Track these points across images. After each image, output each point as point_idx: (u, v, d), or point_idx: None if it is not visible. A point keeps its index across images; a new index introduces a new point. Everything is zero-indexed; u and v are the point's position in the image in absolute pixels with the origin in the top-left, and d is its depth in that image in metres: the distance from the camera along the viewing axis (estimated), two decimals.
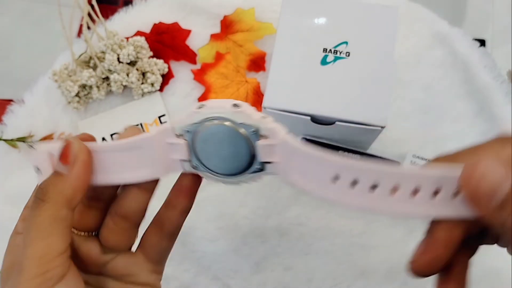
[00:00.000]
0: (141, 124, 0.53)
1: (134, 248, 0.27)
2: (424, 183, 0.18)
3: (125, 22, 0.55)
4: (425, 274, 0.19)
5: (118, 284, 0.25)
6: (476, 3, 1.14)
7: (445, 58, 0.52)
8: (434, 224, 0.19)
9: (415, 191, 0.18)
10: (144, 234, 0.26)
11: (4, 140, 0.51)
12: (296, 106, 0.39)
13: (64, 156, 0.21)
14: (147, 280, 0.26)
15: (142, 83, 0.52)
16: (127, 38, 0.52)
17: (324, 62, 0.40)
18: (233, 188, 0.48)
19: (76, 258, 0.24)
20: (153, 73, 0.52)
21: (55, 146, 0.21)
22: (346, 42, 0.41)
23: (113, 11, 0.56)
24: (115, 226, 0.24)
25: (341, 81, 0.40)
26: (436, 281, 0.20)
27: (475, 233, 0.19)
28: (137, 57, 0.52)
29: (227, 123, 0.21)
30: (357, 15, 0.42)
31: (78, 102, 0.52)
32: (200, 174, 0.23)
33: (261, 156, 0.22)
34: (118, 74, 0.51)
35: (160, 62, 0.52)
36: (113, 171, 0.22)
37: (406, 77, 0.52)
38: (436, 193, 0.18)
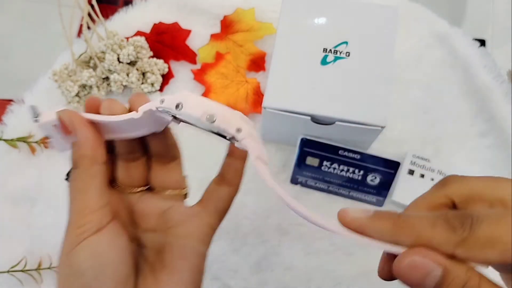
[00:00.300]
0: None
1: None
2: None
3: (125, 22, 0.55)
4: (392, 279, 0.20)
5: (174, 238, 0.25)
6: (476, 3, 1.15)
7: (445, 58, 0.52)
8: None
9: None
10: (206, 189, 0.27)
11: (4, 140, 0.51)
12: (296, 106, 0.39)
13: (63, 129, 0.23)
14: (202, 232, 0.25)
15: (142, 83, 0.52)
16: (127, 38, 0.52)
17: (324, 62, 0.40)
18: None
19: (134, 215, 0.26)
20: (153, 73, 0.52)
21: (54, 119, 0.25)
22: (346, 42, 0.41)
23: (113, 11, 0.56)
24: (160, 171, 0.27)
25: (341, 81, 0.40)
26: None
27: None
28: (137, 57, 0.52)
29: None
30: (357, 15, 0.42)
31: (78, 102, 0.52)
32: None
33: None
34: (118, 74, 0.51)
35: (160, 62, 0.52)
36: (118, 132, 0.25)
37: (406, 77, 0.52)
38: None
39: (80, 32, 0.54)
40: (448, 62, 0.52)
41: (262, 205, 0.48)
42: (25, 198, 0.51)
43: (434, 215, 0.18)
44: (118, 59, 0.51)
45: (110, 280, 0.22)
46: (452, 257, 0.17)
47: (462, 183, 0.21)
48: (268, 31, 0.53)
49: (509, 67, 0.95)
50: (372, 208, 0.19)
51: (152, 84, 0.52)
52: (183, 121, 0.23)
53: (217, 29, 0.55)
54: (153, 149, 0.27)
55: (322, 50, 0.41)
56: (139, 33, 0.54)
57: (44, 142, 0.51)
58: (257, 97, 0.51)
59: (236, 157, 0.26)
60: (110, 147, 0.26)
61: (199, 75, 0.53)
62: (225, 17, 0.54)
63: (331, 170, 0.48)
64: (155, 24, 0.54)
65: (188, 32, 0.54)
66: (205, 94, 0.52)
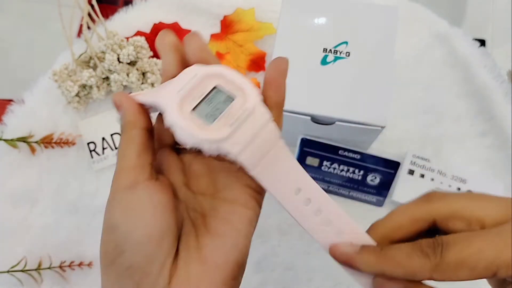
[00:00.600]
0: None
1: None
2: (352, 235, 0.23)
3: (125, 22, 0.55)
4: None
5: (220, 202, 0.25)
6: (476, 3, 1.15)
7: (445, 58, 0.52)
8: None
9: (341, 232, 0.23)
10: None
11: (4, 140, 0.51)
12: (296, 106, 0.39)
13: (117, 106, 0.25)
14: (247, 196, 0.25)
15: (142, 83, 0.52)
16: (127, 38, 0.52)
17: (324, 62, 0.40)
18: None
19: (188, 176, 0.26)
20: (153, 73, 0.52)
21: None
22: (346, 42, 0.41)
23: (113, 11, 0.56)
24: None
25: (341, 81, 0.40)
26: None
27: None
28: (137, 57, 0.52)
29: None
30: (357, 15, 0.42)
31: (78, 102, 0.52)
32: None
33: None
34: (118, 74, 0.51)
35: (160, 62, 0.52)
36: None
37: (406, 77, 0.52)
38: None
39: (80, 32, 0.54)
40: (448, 62, 0.52)
41: (262, 204, 0.48)
42: (25, 198, 0.51)
43: (410, 246, 0.21)
44: (118, 59, 0.51)
45: (142, 236, 0.22)
46: (431, 278, 0.20)
47: (444, 201, 0.22)
48: (268, 31, 0.53)
49: (509, 67, 0.95)
50: (360, 243, 0.23)
51: (152, 84, 0.52)
52: None
53: (217, 29, 0.55)
54: None
55: (322, 50, 0.41)
56: (139, 33, 0.54)
57: (44, 142, 0.51)
58: None
59: None
60: None
61: None
62: (225, 17, 0.54)
63: (331, 170, 0.48)
64: (155, 24, 0.54)
65: (188, 32, 0.54)
66: None
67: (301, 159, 0.48)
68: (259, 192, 0.25)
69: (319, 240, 0.23)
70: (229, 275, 0.23)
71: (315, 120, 0.40)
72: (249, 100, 0.22)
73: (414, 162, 0.48)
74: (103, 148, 0.52)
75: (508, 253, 0.19)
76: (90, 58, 0.52)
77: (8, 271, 0.48)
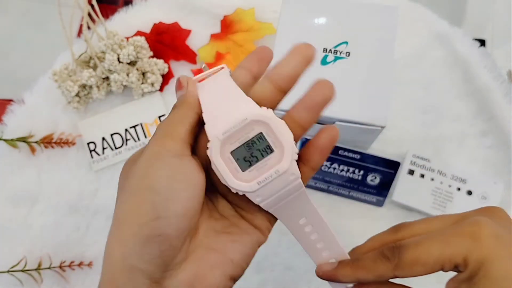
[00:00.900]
0: (141, 124, 0.53)
1: None
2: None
3: (125, 22, 0.55)
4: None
5: (232, 212, 0.26)
6: (476, 3, 1.15)
7: (445, 58, 0.52)
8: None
9: None
10: None
11: (4, 140, 0.51)
12: None
13: (179, 86, 0.25)
14: (259, 223, 0.26)
15: (142, 83, 0.52)
16: (127, 38, 0.52)
17: (324, 62, 0.40)
18: None
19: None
20: (153, 73, 0.52)
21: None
22: (346, 42, 0.41)
23: (113, 11, 0.56)
24: None
25: (341, 81, 0.40)
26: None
27: None
28: (137, 57, 0.52)
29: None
30: (357, 15, 0.42)
31: (78, 102, 0.52)
32: None
33: None
34: (118, 74, 0.51)
35: (160, 62, 0.52)
36: None
37: (406, 77, 0.52)
38: None
39: (80, 32, 0.54)
40: (448, 62, 0.52)
41: None
42: (25, 198, 0.51)
43: (375, 253, 0.25)
44: (118, 59, 0.51)
45: (182, 208, 0.22)
46: (395, 277, 0.24)
47: (408, 230, 0.26)
48: (268, 31, 0.53)
49: (509, 67, 0.95)
50: (335, 259, 0.27)
51: (152, 84, 0.52)
52: None
53: (217, 29, 0.55)
54: None
55: (322, 50, 0.41)
56: (139, 33, 0.54)
57: (44, 142, 0.51)
58: None
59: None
60: None
61: None
62: (225, 17, 0.54)
63: (331, 170, 0.48)
64: (155, 24, 0.54)
65: (188, 32, 0.54)
66: None
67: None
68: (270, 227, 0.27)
69: (312, 258, 0.27)
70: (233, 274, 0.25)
71: None
72: (284, 160, 0.23)
73: (414, 162, 0.48)
74: (103, 148, 0.52)
75: (448, 250, 0.22)
76: (90, 58, 0.52)
77: (8, 271, 0.48)
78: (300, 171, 0.24)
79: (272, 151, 0.23)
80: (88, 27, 0.51)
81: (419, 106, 0.51)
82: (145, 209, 0.22)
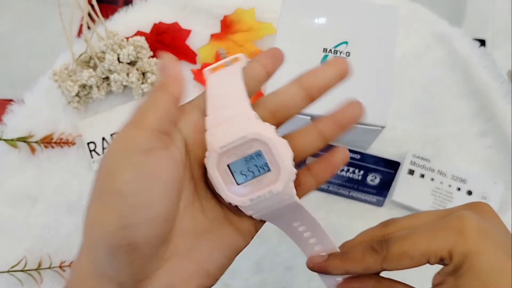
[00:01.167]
0: None
1: None
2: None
3: (125, 22, 0.55)
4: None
5: (218, 213, 0.25)
6: (476, 3, 1.15)
7: (445, 58, 0.52)
8: None
9: None
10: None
11: (4, 140, 0.51)
12: None
13: (161, 68, 0.24)
14: (245, 227, 0.25)
15: (142, 83, 0.52)
16: (127, 38, 0.52)
17: (324, 62, 0.40)
18: None
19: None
20: (153, 73, 0.52)
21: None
22: (346, 42, 0.41)
23: (113, 11, 0.56)
24: None
25: None
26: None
27: None
28: (137, 57, 0.52)
29: None
30: (357, 15, 0.42)
31: (78, 102, 0.52)
32: None
33: None
34: (118, 74, 0.51)
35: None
36: None
37: (406, 77, 0.52)
38: None
39: (80, 32, 0.54)
40: (448, 62, 0.52)
41: None
42: (25, 198, 0.51)
43: (364, 246, 0.25)
44: (118, 59, 0.51)
45: (151, 212, 0.20)
46: (383, 269, 0.24)
47: (396, 225, 0.27)
48: (268, 31, 0.53)
49: (509, 67, 0.95)
50: (327, 251, 0.27)
51: (152, 84, 0.52)
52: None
53: (217, 29, 0.55)
54: None
55: (322, 50, 0.41)
56: (139, 33, 0.54)
57: (44, 142, 0.51)
58: (258, 97, 0.51)
59: None
60: None
61: (199, 75, 0.53)
62: (225, 17, 0.54)
63: None
64: (155, 24, 0.54)
65: (188, 32, 0.54)
66: None
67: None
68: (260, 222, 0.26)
69: (304, 251, 0.27)
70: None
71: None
72: (280, 181, 0.23)
73: (414, 162, 0.48)
74: (103, 148, 0.52)
75: (434, 244, 0.23)
76: (90, 58, 0.52)
77: (8, 271, 0.48)
78: (305, 182, 0.24)
79: (269, 169, 0.23)
80: (88, 27, 0.51)
81: (419, 106, 0.51)
82: (110, 217, 0.20)
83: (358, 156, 0.48)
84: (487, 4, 1.15)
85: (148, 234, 0.20)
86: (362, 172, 0.48)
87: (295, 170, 0.23)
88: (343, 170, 0.48)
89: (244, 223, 0.25)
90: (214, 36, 0.54)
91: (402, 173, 0.48)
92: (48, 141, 0.51)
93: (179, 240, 0.23)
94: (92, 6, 0.51)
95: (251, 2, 0.54)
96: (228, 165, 0.23)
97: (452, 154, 0.50)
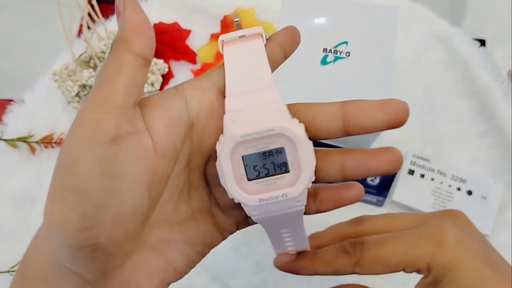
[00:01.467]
0: None
1: None
2: None
3: None
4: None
5: (203, 204, 0.23)
6: (476, 3, 1.15)
7: (445, 58, 0.52)
8: None
9: None
10: None
11: (4, 140, 0.51)
12: None
13: (117, 13, 0.19)
14: (226, 225, 0.23)
15: None
16: None
17: (324, 62, 0.40)
18: None
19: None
20: (153, 73, 0.52)
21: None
22: (346, 42, 0.41)
23: (113, 11, 0.56)
24: None
25: (341, 81, 0.40)
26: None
27: None
28: None
29: None
30: (357, 15, 0.42)
31: (78, 102, 0.52)
32: None
33: None
34: None
35: (160, 62, 0.52)
36: None
37: (406, 77, 0.52)
38: None
39: (80, 32, 0.54)
40: (448, 62, 0.52)
41: None
42: (25, 198, 0.51)
43: (336, 247, 0.25)
44: None
45: (117, 212, 0.18)
46: (354, 273, 0.24)
47: (369, 222, 0.26)
48: (268, 31, 0.53)
49: (509, 67, 0.95)
50: (296, 250, 0.26)
51: (152, 84, 0.52)
52: None
53: (217, 29, 0.55)
54: None
55: (322, 50, 0.41)
56: None
57: (44, 142, 0.51)
58: None
59: None
60: None
61: (199, 75, 0.53)
62: (225, 17, 0.54)
63: None
64: (155, 24, 0.55)
65: (188, 32, 0.54)
66: None
67: None
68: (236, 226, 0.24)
69: (275, 250, 0.26)
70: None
71: None
72: (297, 186, 0.20)
73: (414, 162, 0.48)
74: None
75: (412, 253, 0.22)
76: (90, 58, 0.52)
77: (8, 271, 0.48)
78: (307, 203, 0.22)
79: (287, 170, 0.20)
80: (88, 27, 0.51)
81: (419, 106, 0.51)
82: (71, 217, 0.17)
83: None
84: (487, 4, 1.15)
85: (113, 234, 0.18)
86: None
87: (313, 178, 0.21)
88: None
89: (226, 221, 0.23)
90: (214, 36, 0.54)
91: (402, 173, 0.48)
92: (48, 141, 0.51)
93: (152, 231, 0.21)
94: (92, 6, 0.51)
95: (251, 2, 0.54)
96: (242, 157, 0.20)
97: (452, 154, 0.50)
